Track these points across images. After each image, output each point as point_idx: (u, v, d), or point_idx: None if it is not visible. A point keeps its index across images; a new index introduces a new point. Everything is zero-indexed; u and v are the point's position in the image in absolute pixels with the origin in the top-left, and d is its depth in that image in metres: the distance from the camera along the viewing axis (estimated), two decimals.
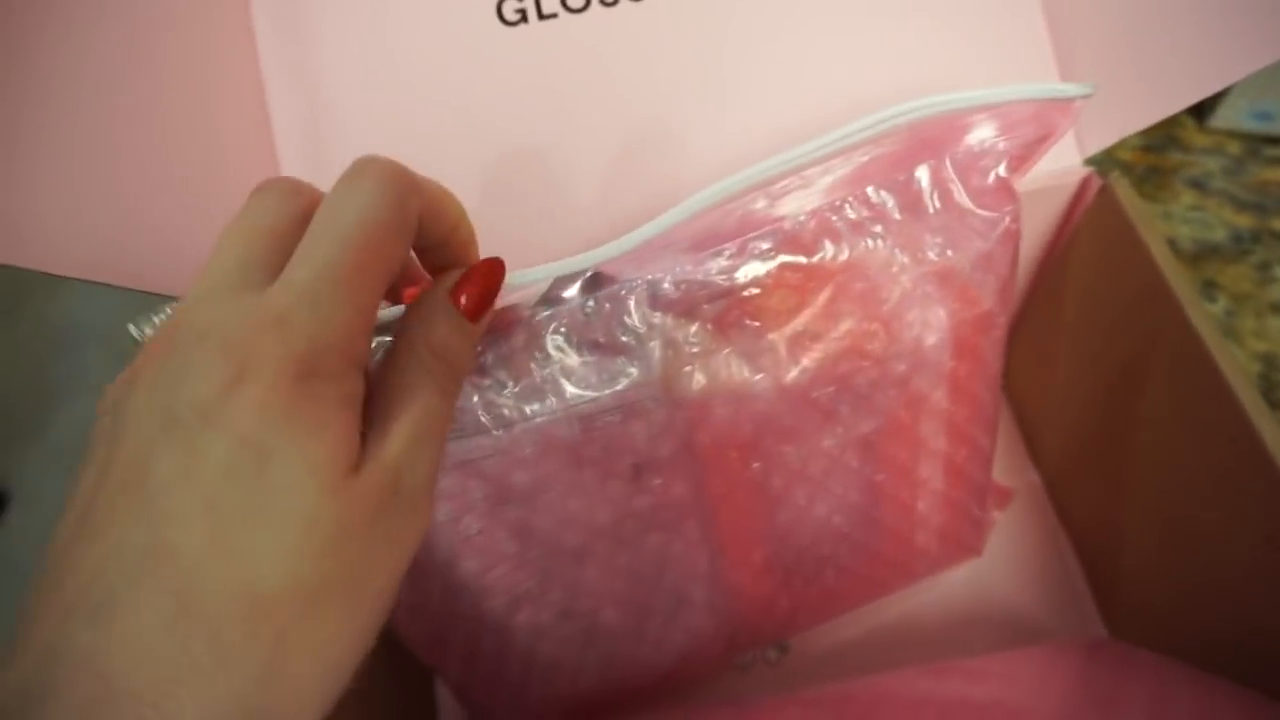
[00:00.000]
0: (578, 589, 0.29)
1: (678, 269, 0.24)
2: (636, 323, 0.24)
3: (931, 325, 0.27)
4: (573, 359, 0.24)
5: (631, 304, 0.24)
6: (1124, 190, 0.29)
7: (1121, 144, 0.48)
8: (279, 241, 0.17)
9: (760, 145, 0.29)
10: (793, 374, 0.26)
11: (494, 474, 0.25)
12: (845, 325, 0.26)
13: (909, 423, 0.29)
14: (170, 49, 0.25)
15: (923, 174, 0.25)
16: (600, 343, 0.24)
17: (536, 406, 0.24)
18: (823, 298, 0.26)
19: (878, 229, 0.26)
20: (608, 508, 0.27)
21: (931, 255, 0.26)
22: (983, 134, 0.25)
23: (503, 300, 0.22)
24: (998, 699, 0.28)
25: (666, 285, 0.24)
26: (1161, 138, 0.48)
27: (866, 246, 0.26)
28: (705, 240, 0.24)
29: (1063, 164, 0.30)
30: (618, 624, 0.30)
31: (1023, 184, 0.29)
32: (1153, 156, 0.48)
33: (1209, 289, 0.44)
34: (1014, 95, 0.23)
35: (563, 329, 0.24)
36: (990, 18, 0.29)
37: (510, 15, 0.28)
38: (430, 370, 0.18)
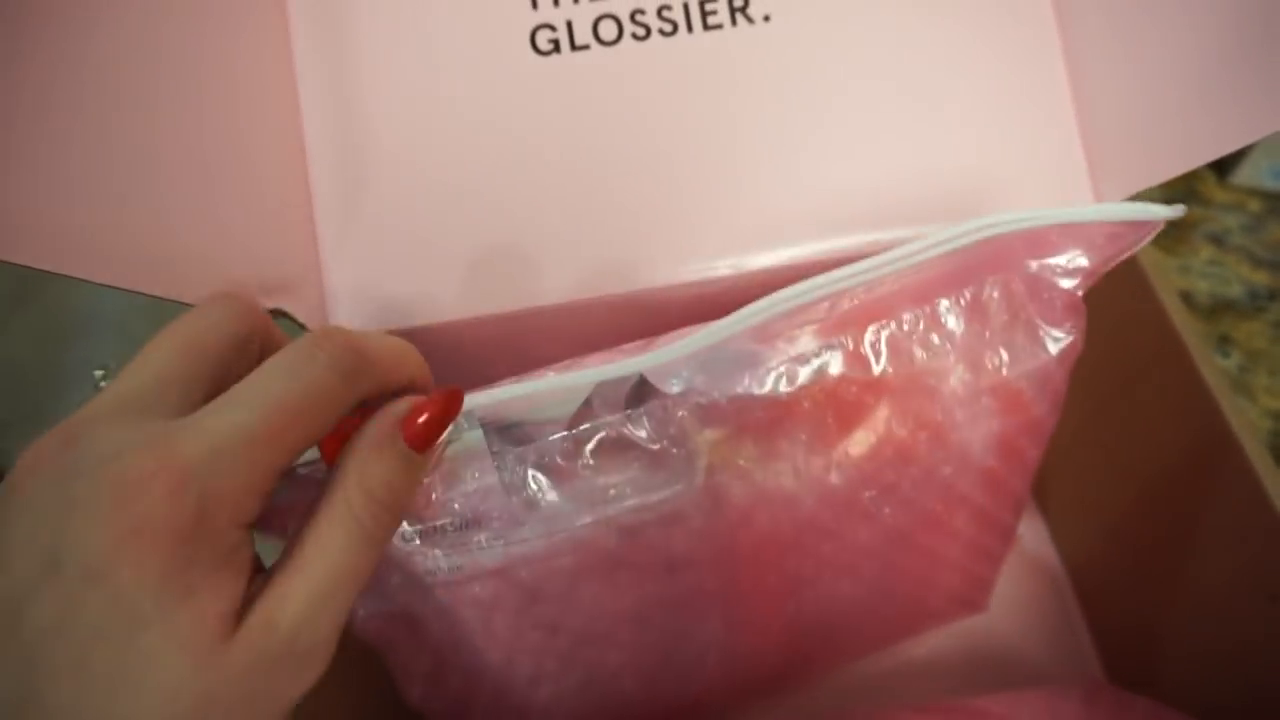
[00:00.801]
0: (598, 668, 0.29)
1: (728, 381, 0.23)
2: (682, 435, 0.24)
3: (981, 434, 0.27)
4: (615, 468, 0.24)
5: (679, 417, 0.23)
6: (1146, 253, 0.30)
7: (1142, 197, 0.48)
8: (208, 362, 0.17)
9: (792, 198, 0.29)
10: (839, 482, 0.26)
11: (528, 581, 0.25)
12: (897, 436, 0.26)
13: (943, 516, 0.29)
14: (209, 65, 0.26)
15: (993, 289, 0.25)
16: (644, 453, 0.24)
17: (576, 513, 0.24)
18: (878, 411, 0.25)
19: (941, 343, 0.25)
20: (637, 601, 0.27)
21: (991, 371, 0.26)
22: (1061, 250, 0.24)
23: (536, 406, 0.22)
24: None
25: (716, 397, 0.23)
26: (1182, 192, 0.49)
27: (927, 360, 0.25)
28: (760, 336, 0.24)
29: None
30: (632, 689, 0.30)
31: None
32: None
33: (1223, 344, 0.44)
34: (1105, 215, 0.22)
35: (606, 436, 0.23)
36: (1009, 67, 0.30)
37: (544, 45, 0.28)
38: (358, 517, 0.17)
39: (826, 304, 0.23)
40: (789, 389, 0.24)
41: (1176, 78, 0.28)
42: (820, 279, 0.21)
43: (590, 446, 0.23)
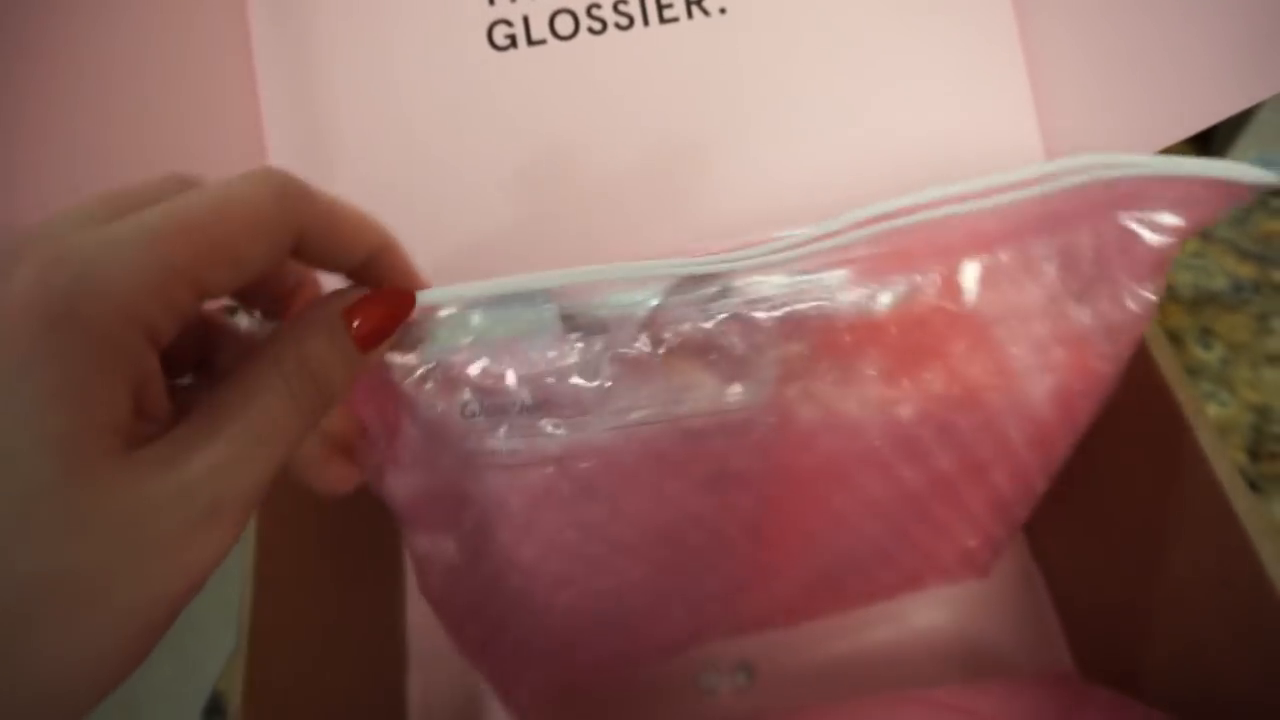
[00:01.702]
0: (623, 580, 0.28)
1: (812, 296, 0.23)
2: (760, 345, 0.23)
3: (1046, 384, 0.27)
4: (688, 369, 0.23)
5: (760, 325, 0.23)
6: None
7: None
8: (135, 200, 0.14)
9: (750, 189, 0.29)
10: (904, 417, 0.26)
11: (582, 476, 0.24)
12: (968, 376, 0.26)
13: (989, 466, 0.29)
14: (166, 60, 0.26)
15: (1084, 237, 0.24)
16: (720, 358, 0.23)
17: (644, 410, 0.23)
18: (955, 348, 0.25)
19: (1028, 286, 0.24)
20: (677, 517, 0.27)
21: (1072, 320, 0.25)
22: (1157, 205, 0.23)
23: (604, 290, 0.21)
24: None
25: (799, 310, 0.23)
26: None
27: (1013, 301, 0.24)
28: (848, 256, 0.23)
29: None
30: (646, 606, 0.30)
31: None
32: None
33: (1205, 336, 0.44)
34: (1210, 171, 0.22)
35: (683, 336, 0.23)
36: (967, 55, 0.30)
37: (500, 40, 0.29)
38: (288, 378, 0.15)
39: (921, 234, 0.22)
40: (873, 311, 0.23)
41: (1131, 67, 0.28)
42: (916, 213, 0.21)
43: (665, 344, 0.22)
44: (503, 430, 0.22)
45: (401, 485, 0.24)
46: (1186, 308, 0.45)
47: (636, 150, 0.29)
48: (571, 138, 0.29)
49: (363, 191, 0.28)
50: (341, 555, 0.33)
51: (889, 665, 0.37)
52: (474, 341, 0.21)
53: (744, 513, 0.28)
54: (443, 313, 0.21)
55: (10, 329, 0.12)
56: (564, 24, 0.29)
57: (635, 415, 0.23)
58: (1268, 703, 0.26)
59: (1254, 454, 0.40)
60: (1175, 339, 0.44)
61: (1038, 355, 0.25)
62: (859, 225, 0.21)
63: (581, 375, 0.22)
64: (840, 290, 0.23)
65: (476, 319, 0.21)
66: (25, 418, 0.12)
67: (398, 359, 0.21)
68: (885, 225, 0.21)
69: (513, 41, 0.29)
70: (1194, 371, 0.43)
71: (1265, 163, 0.48)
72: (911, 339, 0.24)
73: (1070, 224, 0.24)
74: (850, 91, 0.30)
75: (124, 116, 0.25)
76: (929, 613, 0.38)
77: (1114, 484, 0.32)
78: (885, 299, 0.23)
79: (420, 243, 0.28)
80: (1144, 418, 0.29)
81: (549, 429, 0.22)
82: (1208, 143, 0.49)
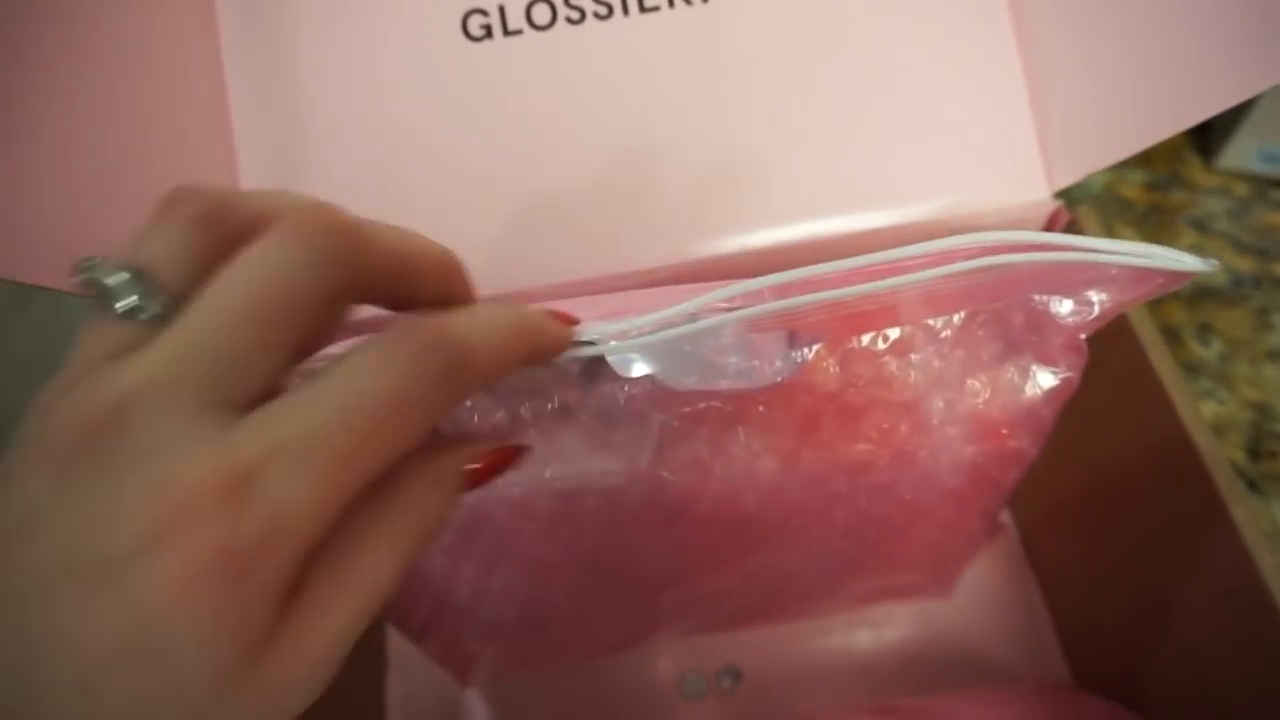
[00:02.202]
0: (542, 598, 0.29)
1: (688, 369, 0.21)
2: (634, 417, 0.23)
3: (950, 459, 0.26)
4: (562, 436, 0.23)
5: (632, 397, 0.22)
6: (1091, 226, 0.29)
7: (1124, 181, 0.47)
8: (289, 331, 0.14)
9: (729, 171, 0.29)
10: (789, 483, 0.25)
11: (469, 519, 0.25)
12: (858, 450, 0.25)
13: (901, 525, 0.29)
14: (130, 53, 0.26)
15: (989, 316, 0.23)
16: (594, 427, 0.23)
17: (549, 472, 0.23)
18: (839, 421, 0.24)
19: (922, 363, 0.23)
20: (574, 549, 0.27)
21: (974, 400, 0.24)
22: (1073, 289, 0.22)
23: None
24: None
25: (672, 383, 0.21)
26: (1166, 176, 0.48)
27: (902, 377, 0.24)
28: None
29: (1032, 196, 0.29)
30: (576, 617, 0.31)
31: (990, 217, 0.29)
32: (1156, 195, 0.47)
33: (1203, 332, 0.43)
34: (1133, 260, 0.19)
35: (556, 406, 0.23)
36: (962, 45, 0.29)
37: (475, 30, 0.28)
38: (408, 544, 0.15)
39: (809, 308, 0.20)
40: (750, 386, 0.22)
41: (1124, 60, 0.27)
42: (811, 296, 0.19)
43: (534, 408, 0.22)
44: None
45: None
46: (1184, 303, 0.44)
47: (614, 143, 0.28)
48: (549, 130, 0.28)
49: (335, 185, 0.27)
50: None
51: (880, 672, 0.37)
52: None
53: (655, 551, 0.28)
54: None
55: (200, 577, 0.12)
56: (541, 13, 0.28)
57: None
58: (1266, 715, 0.25)
59: (1253, 452, 0.40)
60: (1173, 335, 0.43)
61: (937, 433, 0.24)
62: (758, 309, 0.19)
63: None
64: (713, 363, 0.21)
65: None
66: (192, 658, 0.12)
67: None
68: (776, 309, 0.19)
69: (488, 32, 0.28)
70: (1192, 368, 0.42)
71: (1266, 156, 0.47)
72: (785, 412, 0.23)
73: (974, 301, 0.22)
74: (833, 80, 0.29)
75: (86, 112, 0.24)
76: (922, 620, 0.37)
77: (1110, 492, 0.31)
78: (761, 375, 0.22)
79: None
80: (1140, 424, 0.28)
81: None
82: (1206, 135, 0.48)
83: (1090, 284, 0.21)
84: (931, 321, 0.22)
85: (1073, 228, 0.29)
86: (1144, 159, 0.47)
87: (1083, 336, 0.22)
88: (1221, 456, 0.25)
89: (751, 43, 0.28)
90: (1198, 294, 0.44)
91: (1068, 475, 0.34)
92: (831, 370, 0.23)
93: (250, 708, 0.13)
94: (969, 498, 0.28)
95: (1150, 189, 0.47)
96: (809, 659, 0.37)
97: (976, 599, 0.37)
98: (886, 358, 0.23)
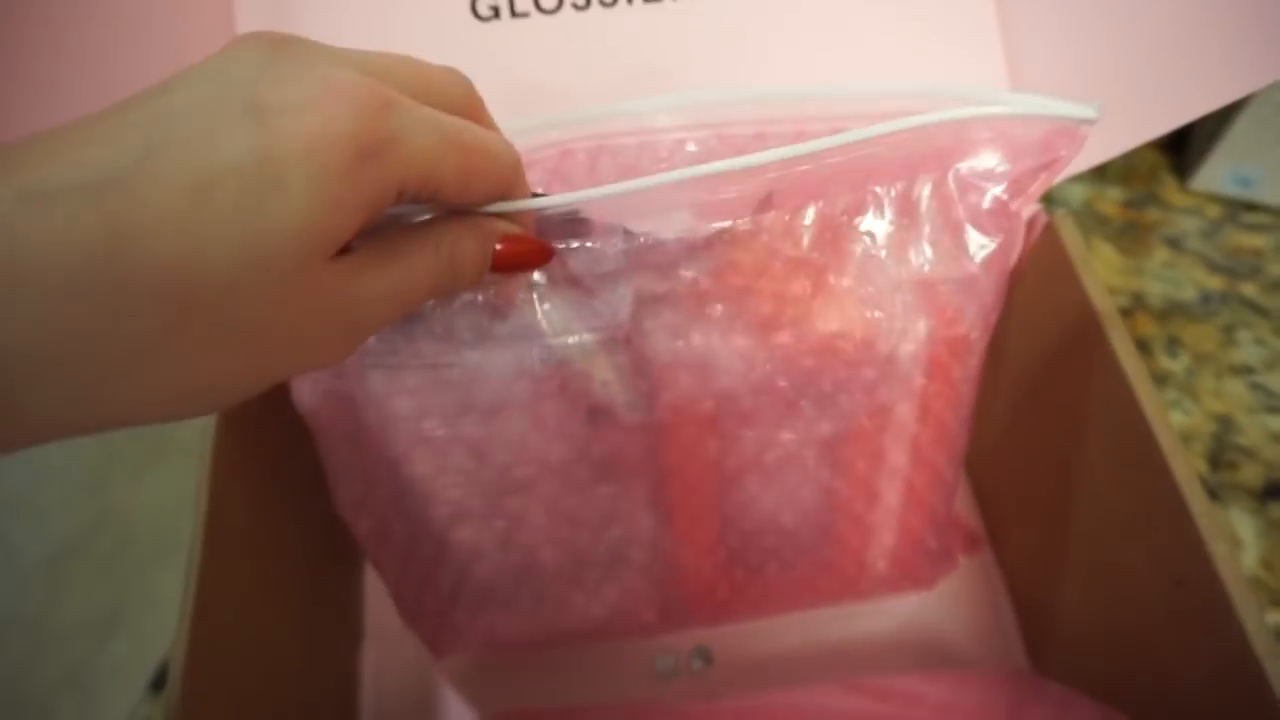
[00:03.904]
0: (521, 521, 0.30)
1: (664, 231, 0.26)
2: (616, 262, 0.26)
3: (907, 337, 0.28)
4: (549, 294, 0.26)
5: (612, 251, 0.26)
6: (1067, 229, 0.30)
7: (1102, 198, 0.49)
8: (426, 88, 0.19)
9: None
10: (761, 358, 0.28)
11: (460, 384, 0.27)
12: (822, 319, 0.28)
13: (871, 432, 0.31)
14: (150, 35, 0.26)
15: (923, 184, 0.27)
16: (576, 283, 0.26)
17: (506, 330, 0.26)
18: (804, 288, 0.27)
19: (871, 230, 0.27)
20: (561, 447, 0.29)
21: (919, 266, 0.27)
22: (987, 154, 0.26)
23: None
24: (901, 717, 0.28)
25: (650, 241, 0.26)
26: (1143, 194, 0.49)
27: (858, 245, 0.27)
28: (700, 209, 0.26)
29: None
30: (553, 566, 0.32)
31: None
32: (1132, 212, 0.49)
33: (1172, 345, 0.44)
34: (1019, 110, 0.24)
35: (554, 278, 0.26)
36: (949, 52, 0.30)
37: (484, 11, 0.29)
38: (439, 260, 0.20)
39: (771, 174, 0.24)
40: (721, 251, 0.26)
41: (1107, 62, 0.29)
42: (766, 153, 0.23)
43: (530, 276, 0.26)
44: (389, 337, 0.26)
45: (307, 389, 0.28)
46: (1155, 317, 0.45)
47: None
48: (552, 109, 0.29)
49: None
50: (296, 525, 0.33)
51: (846, 657, 0.38)
52: None
53: (635, 464, 0.29)
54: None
55: (329, 139, 0.16)
56: None
57: (499, 336, 0.26)
58: (1214, 701, 0.26)
59: (1214, 462, 0.41)
60: (1143, 347, 0.44)
61: (893, 303, 0.27)
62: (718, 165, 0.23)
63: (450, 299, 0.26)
64: (688, 228, 0.25)
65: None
66: (302, 215, 0.16)
67: None
68: (736, 165, 0.23)
69: (496, 13, 0.29)
70: (1160, 380, 0.43)
71: (1238, 179, 0.49)
72: (759, 284, 0.27)
73: (910, 172, 0.26)
74: (822, 72, 0.30)
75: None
76: (887, 607, 0.38)
77: (1076, 484, 0.33)
78: (730, 247, 0.26)
79: None
80: (1108, 421, 0.30)
81: (419, 334, 0.26)
82: (1182, 156, 0.50)
83: (998, 150, 0.26)
84: (877, 190, 0.26)
85: (1049, 232, 0.31)
86: (1123, 177, 0.49)
87: (1007, 201, 0.26)
88: (1184, 453, 0.27)
89: (752, 30, 0.30)
90: (1168, 309, 0.45)
91: (1034, 469, 0.36)
92: (797, 233, 0.26)
93: (311, 292, 0.17)
94: (930, 404, 0.30)
95: (1127, 206, 0.49)
96: (778, 644, 0.38)
97: (944, 590, 0.38)
98: (843, 217, 0.26)
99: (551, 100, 0.30)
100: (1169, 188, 0.50)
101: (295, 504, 0.33)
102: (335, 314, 0.18)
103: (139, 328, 0.15)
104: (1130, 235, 0.48)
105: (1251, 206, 0.49)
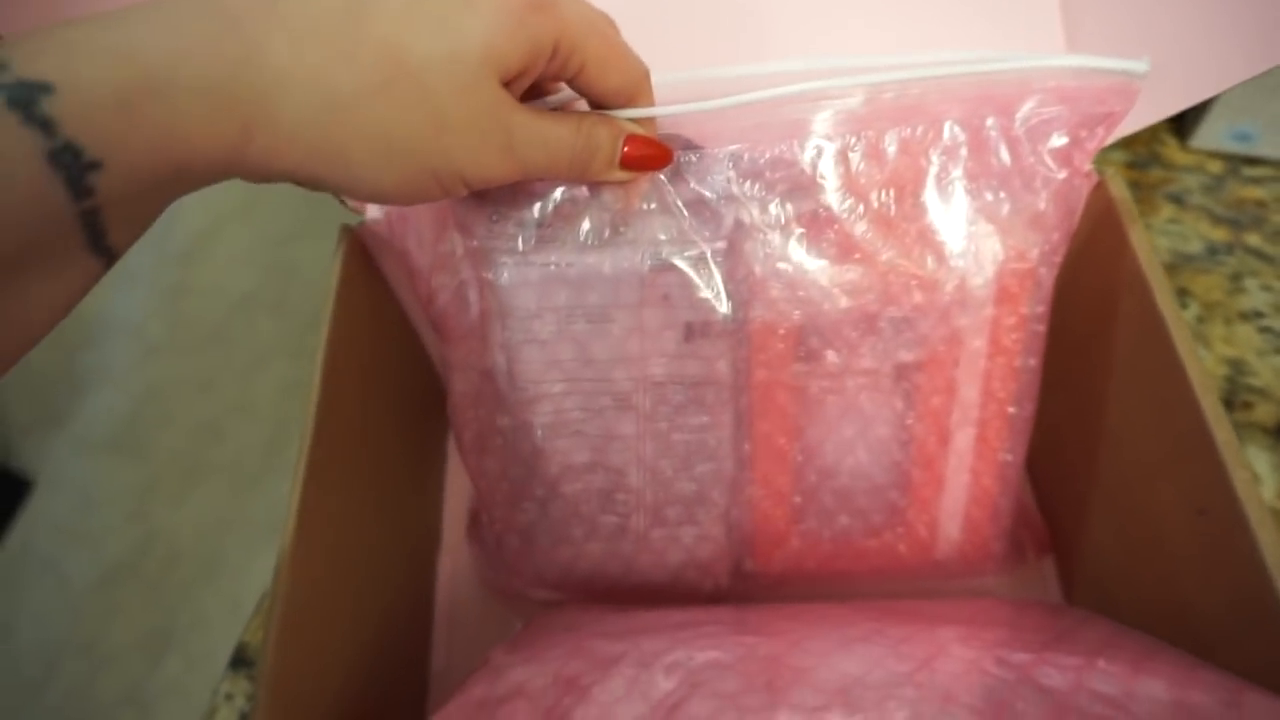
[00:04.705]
0: (613, 438, 0.33)
1: (769, 148, 0.30)
2: (721, 185, 0.30)
3: (980, 265, 0.32)
4: (662, 209, 0.30)
5: (725, 166, 0.30)
6: (1117, 186, 0.33)
7: (1106, 160, 0.51)
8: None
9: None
10: (845, 275, 0.31)
11: (575, 283, 0.31)
12: (902, 241, 0.31)
13: (945, 363, 0.33)
14: None
15: (993, 123, 0.30)
16: (687, 201, 0.30)
17: (623, 235, 0.30)
18: (887, 212, 0.31)
19: (945, 159, 0.31)
20: (659, 361, 0.32)
21: (989, 199, 0.31)
22: (1049, 103, 0.30)
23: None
24: (953, 617, 0.30)
25: (754, 158, 0.30)
26: (1145, 156, 0.52)
27: (934, 169, 0.31)
28: (781, 133, 0.30)
29: None
30: (638, 493, 0.34)
31: None
32: (1136, 173, 0.51)
33: (1182, 296, 0.47)
34: (1075, 62, 0.29)
35: (661, 175, 0.30)
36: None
37: None
38: (577, 140, 0.25)
39: (860, 95, 0.29)
40: (817, 170, 0.30)
41: (1163, 27, 0.31)
42: (855, 77, 0.28)
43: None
44: (519, 235, 0.30)
45: (442, 286, 0.32)
46: (1165, 270, 0.48)
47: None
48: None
49: None
50: (396, 432, 0.37)
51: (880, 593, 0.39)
52: None
53: (724, 386, 0.32)
54: None
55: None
56: None
57: (619, 235, 0.30)
58: (1234, 624, 0.28)
59: (1229, 404, 0.43)
60: None
61: (966, 231, 0.31)
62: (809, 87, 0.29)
63: (580, 200, 0.30)
64: (785, 141, 0.30)
65: None
66: (481, 37, 0.21)
67: None
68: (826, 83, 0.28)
69: None
70: None
71: (1236, 135, 0.51)
72: (846, 203, 0.30)
73: (976, 112, 0.30)
74: (881, 17, 0.34)
75: None
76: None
77: (1108, 425, 0.35)
78: (824, 166, 0.30)
79: None
80: (1144, 365, 0.32)
81: (553, 238, 0.30)
82: (1181, 117, 0.52)
83: (1061, 100, 0.30)
84: (952, 124, 0.30)
85: (1100, 189, 0.33)
86: (1125, 141, 0.51)
87: (1069, 147, 0.31)
88: (1209, 382, 0.29)
89: (840, 13, 0.34)
90: (1176, 262, 0.48)
91: (1072, 413, 0.37)
92: (883, 156, 0.30)
93: (485, 95, 0.22)
94: (1004, 336, 0.33)
95: (1130, 167, 0.51)
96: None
97: None
98: (921, 143, 0.30)
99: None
100: (1170, 148, 0.52)
101: (397, 411, 0.37)
102: (499, 129, 0.23)
103: (361, 74, 0.20)
104: (1136, 195, 0.51)
105: (1252, 160, 0.51)
